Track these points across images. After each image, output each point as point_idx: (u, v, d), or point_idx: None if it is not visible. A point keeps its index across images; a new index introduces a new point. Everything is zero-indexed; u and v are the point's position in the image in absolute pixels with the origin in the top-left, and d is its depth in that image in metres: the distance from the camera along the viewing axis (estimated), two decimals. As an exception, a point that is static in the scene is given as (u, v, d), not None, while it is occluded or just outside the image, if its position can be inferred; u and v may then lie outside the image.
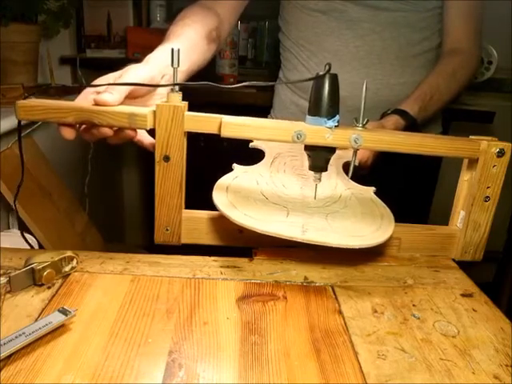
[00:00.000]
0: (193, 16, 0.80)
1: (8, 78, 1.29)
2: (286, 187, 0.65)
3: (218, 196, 0.58)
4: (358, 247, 0.52)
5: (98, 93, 0.56)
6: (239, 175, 0.66)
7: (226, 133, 0.54)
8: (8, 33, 1.24)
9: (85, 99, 0.58)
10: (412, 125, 0.86)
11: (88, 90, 0.59)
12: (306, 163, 0.73)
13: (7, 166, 0.96)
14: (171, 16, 1.71)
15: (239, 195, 0.60)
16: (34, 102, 0.56)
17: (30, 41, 1.33)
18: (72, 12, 1.47)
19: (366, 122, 0.56)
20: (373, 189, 0.67)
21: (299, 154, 0.78)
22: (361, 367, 0.42)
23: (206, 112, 0.57)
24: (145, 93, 0.64)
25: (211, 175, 0.64)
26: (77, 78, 1.66)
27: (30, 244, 0.69)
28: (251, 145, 0.76)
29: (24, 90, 1.15)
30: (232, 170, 0.68)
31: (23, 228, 1.00)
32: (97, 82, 0.60)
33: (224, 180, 0.64)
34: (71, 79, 1.69)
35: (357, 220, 0.58)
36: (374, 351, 0.44)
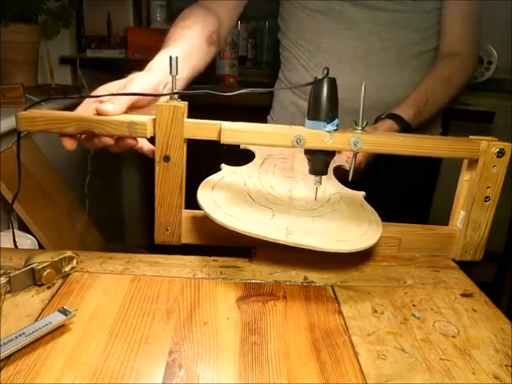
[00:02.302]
0: (193, 17, 0.80)
1: (8, 78, 1.29)
2: (274, 189, 0.64)
3: (203, 195, 0.58)
4: (342, 251, 0.51)
5: (101, 102, 0.56)
6: (226, 175, 0.66)
7: (226, 139, 0.54)
8: (8, 33, 1.24)
9: (86, 108, 0.58)
10: (406, 130, 0.85)
11: (90, 100, 0.59)
12: (296, 165, 0.73)
13: (7, 166, 0.96)
14: (171, 16, 1.72)
15: (225, 195, 0.59)
16: (34, 113, 0.56)
17: (30, 41, 1.33)
18: (72, 12, 1.47)
19: (366, 125, 0.56)
20: (362, 193, 0.66)
21: (289, 157, 0.77)
22: (361, 367, 0.42)
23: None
24: (148, 103, 0.63)
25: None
26: (77, 78, 1.66)
27: (15, 244, 0.68)
28: (242, 146, 0.75)
29: (24, 90, 1.15)
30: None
31: (23, 228, 1.00)
32: (100, 90, 0.60)
33: (210, 179, 0.63)
34: (71, 79, 1.69)
35: (343, 224, 0.57)
36: (373, 351, 0.44)
